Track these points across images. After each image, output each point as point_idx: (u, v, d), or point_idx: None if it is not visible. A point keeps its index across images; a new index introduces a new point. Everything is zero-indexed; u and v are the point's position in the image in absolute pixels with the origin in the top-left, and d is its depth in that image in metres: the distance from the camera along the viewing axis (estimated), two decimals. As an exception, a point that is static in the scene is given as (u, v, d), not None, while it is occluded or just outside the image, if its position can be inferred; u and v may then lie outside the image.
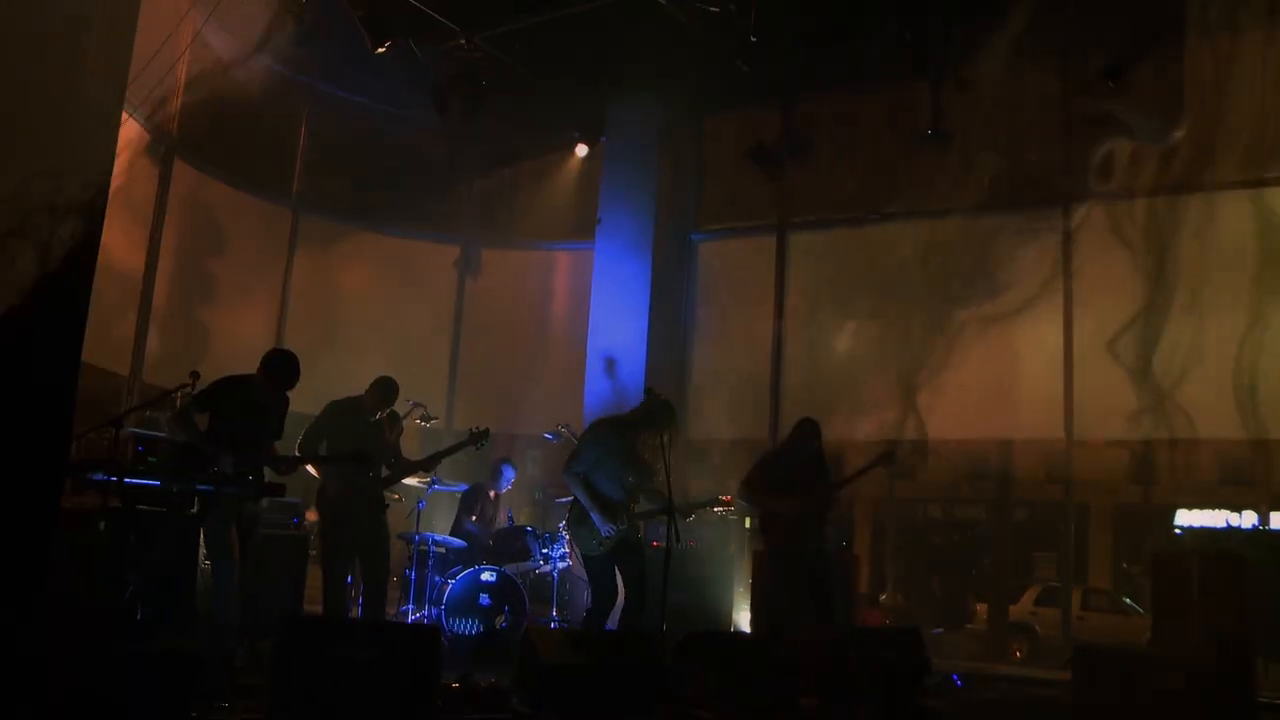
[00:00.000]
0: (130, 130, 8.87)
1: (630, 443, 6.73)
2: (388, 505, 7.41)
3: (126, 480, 5.37)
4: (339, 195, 11.38)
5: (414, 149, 11.72)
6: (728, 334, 11.02)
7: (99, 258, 8.57)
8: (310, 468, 7.01)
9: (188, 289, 9.96)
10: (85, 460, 5.63)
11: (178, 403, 6.12)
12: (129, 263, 9.14)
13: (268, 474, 6.23)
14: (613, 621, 6.78)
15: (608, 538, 6.59)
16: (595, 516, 6.57)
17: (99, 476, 5.32)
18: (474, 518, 9.27)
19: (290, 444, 7.01)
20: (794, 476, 7.46)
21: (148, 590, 5.34)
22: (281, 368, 6.19)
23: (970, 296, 9.96)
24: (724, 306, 11.13)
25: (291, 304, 10.95)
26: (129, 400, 8.88)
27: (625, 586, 6.80)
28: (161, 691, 3.89)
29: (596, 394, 10.30)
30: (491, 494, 9.45)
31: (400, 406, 7.81)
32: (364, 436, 6.95)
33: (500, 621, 8.24)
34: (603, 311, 10.71)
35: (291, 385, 6.26)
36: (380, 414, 7.16)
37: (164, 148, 9.37)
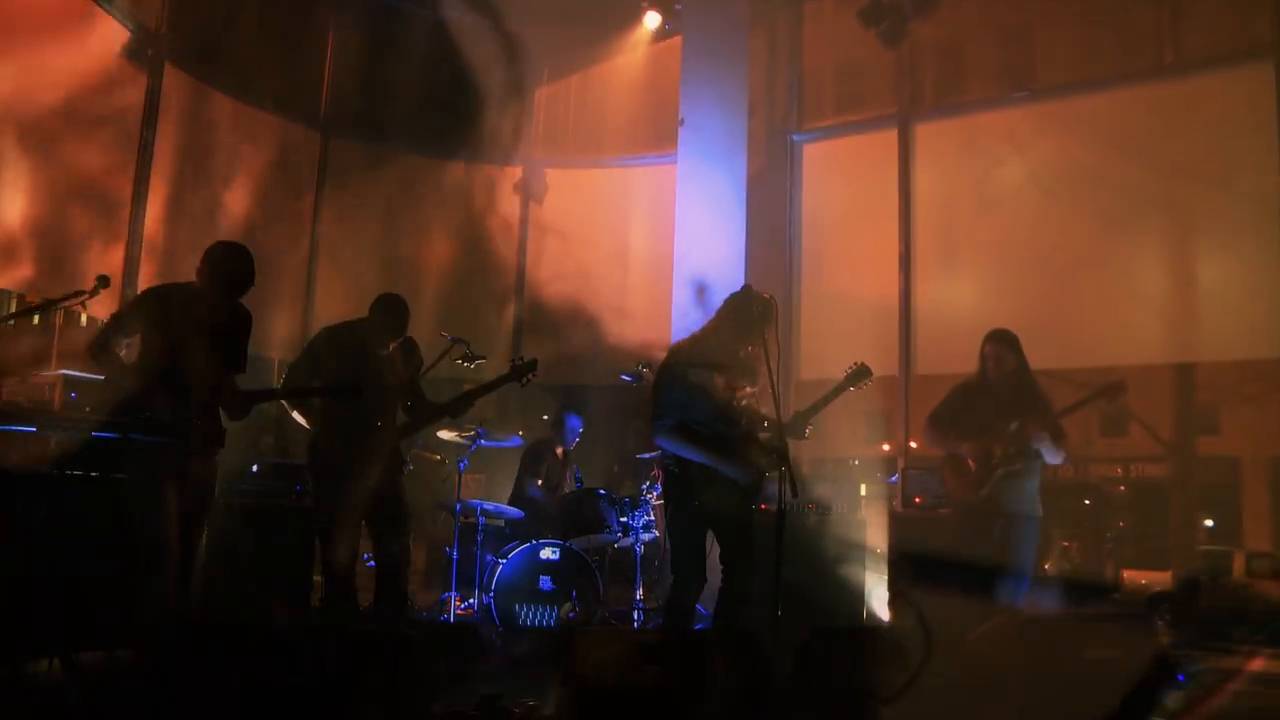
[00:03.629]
0: (98, 22, 7.31)
1: (716, 360, 4.87)
2: (407, 464, 5.67)
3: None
4: (375, 114, 9.70)
5: (462, 58, 9.99)
6: (843, 251, 9.04)
7: (63, 175, 7.20)
8: (299, 416, 5.28)
9: (192, 223, 8.36)
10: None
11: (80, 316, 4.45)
12: (113, 189, 7.59)
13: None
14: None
15: (750, 482, 4.78)
16: (724, 468, 4.74)
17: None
18: (540, 481, 7.52)
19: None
20: (982, 410, 5.60)
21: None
22: (227, 264, 4.49)
23: (1150, 189, 7.85)
24: (837, 219, 9.15)
25: (322, 242, 9.30)
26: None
27: (725, 564, 4.95)
28: None
29: (685, 329, 8.41)
30: (558, 451, 7.67)
31: (433, 342, 6.11)
32: (367, 371, 5.20)
33: (569, 611, 6.46)
34: (689, 231, 8.82)
35: (244, 289, 4.59)
36: (390, 343, 5.38)
37: (150, 51, 7.75)
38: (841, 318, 8.72)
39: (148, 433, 4.18)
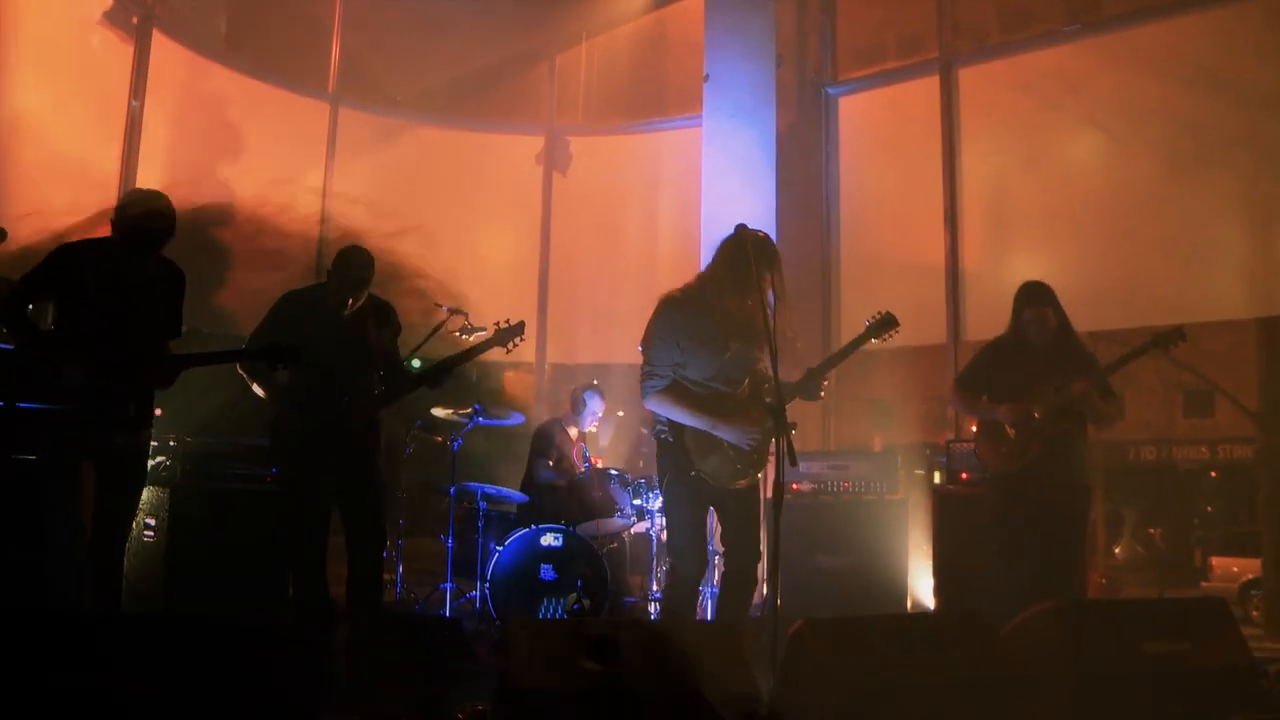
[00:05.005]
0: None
1: (713, 310, 4.27)
2: (407, 446, 5.15)
3: None
4: (389, 82, 9.24)
5: (480, 21, 9.50)
6: (883, 211, 8.35)
7: (41, 151, 6.82)
8: (258, 388, 4.75)
9: (192, 201, 7.95)
10: None
11: None
12: (99, 163, 7.21)
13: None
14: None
15: (752, 449, 4.22)
16: (724, 433, 4.17)
17: None
18: (552, 463, 6.96)
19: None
20: (1018, 369, 4.95)
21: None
22: (138, 213, 3.98)
23: (1223, 123, 7.03)
24: (876, 176, 8.46)
25: (332, 219, 8.84)
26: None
27: (728, 547, 4.36)
28: None
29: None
30: (571, 432, 7.11)
31: (426, 313, 5.61)
32: (327, 336, 4.67)
33: (574, 603, 5.90)
34: (717, 194, 8.18)
35: (163, 240, 4.07)
36: (354, 302, 4.81)
37: (137, 17, 7.36)
38: (883, 281, 8.01)
39: (53, 403, 3.71)
